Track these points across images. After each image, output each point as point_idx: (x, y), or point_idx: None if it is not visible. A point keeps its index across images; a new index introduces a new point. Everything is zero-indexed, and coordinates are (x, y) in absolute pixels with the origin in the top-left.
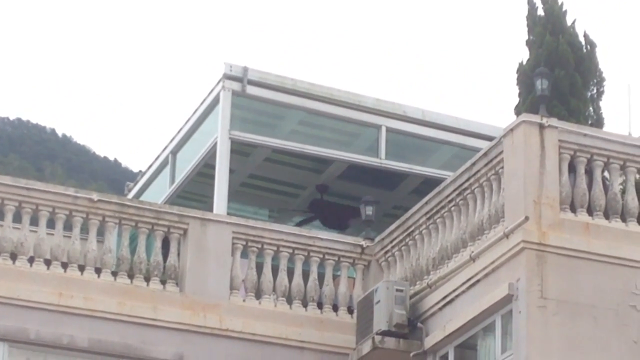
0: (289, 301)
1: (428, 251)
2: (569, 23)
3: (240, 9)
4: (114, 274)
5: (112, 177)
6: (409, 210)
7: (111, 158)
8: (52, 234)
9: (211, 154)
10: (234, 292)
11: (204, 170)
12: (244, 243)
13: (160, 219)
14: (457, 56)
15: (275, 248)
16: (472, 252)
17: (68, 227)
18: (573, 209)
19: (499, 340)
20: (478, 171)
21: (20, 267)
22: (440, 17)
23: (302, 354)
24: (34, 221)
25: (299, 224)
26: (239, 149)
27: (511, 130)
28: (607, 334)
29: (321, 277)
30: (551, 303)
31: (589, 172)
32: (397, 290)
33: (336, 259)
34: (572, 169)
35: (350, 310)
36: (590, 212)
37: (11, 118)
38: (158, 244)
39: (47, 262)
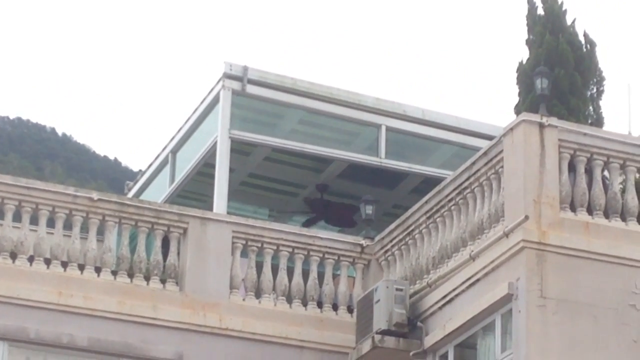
0: (289, 300)
1: (428, 250)
2: (568, 22)
3: (240, 9)
4: (114, 273)
5: (112, 176)
6: (409, 210)
7: (111, 157)
8: (52, 233)
9: (211, 153)
10: (234, 291)
11: (204, 170)
12: (244, 242)
13: (160, 218)
14: (457, 56)
15: (275, 247)
16: (472, 251)
17: (68, 226)
18: (573, 208)
19: (498, 339)
20: (478, 170)
21: (20, 266)
22: (440, 16)
23: (302, 353)
24: (34, 220)
25: (305, 225)
26: (238, 148)
27: (511, 129)
28: (606, 333)
29: (321, 276)
30: (551, 302)
31: (589, 172)
32: (396, 289)
33: (336, 258)
34: (572, 168)
35: (350, 310)
36: (590, 211)
37: (11, 117)
38: (158, 243)
39: (47, 261)
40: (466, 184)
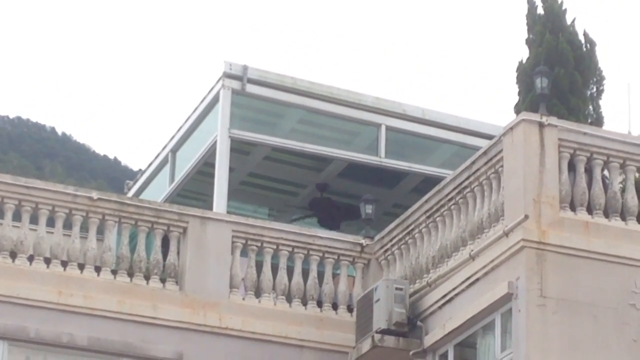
0: (289, 300)
1: (428, 250)
2: (568, 22)
3: (240, 8)
4: (114, 272)
5: (111, 175)
6: (409, 209)
7: (111, 156)
8: (52, 233)
9: (211, 153)
10: (234, 290)
11: (204, 169)
12: (244, 241)
13: (160, 218)
14: (457, 55)
15: (274, 246)
16: (472, 250)
17: (68, 225)
18: (573, 208)
19: (498, 338)
20: (478, 170)
21: (20, 265)
22: (440, 16)
23: (302, 353)
24: (34, 219)
25: (294, 221)
26: (238, 148)
27: (511, 128)
28: (606, 333)
29: (321, 276)
30: (551, 301)
31: (589, 171)
32: (396, 288)
33: (336, 257)
34: (571, 167)
35: (349, 309)
36: (590, 210)
37: (11, 116)
38: (158, 243)
39: (47, 261)
40: (466, 183)
